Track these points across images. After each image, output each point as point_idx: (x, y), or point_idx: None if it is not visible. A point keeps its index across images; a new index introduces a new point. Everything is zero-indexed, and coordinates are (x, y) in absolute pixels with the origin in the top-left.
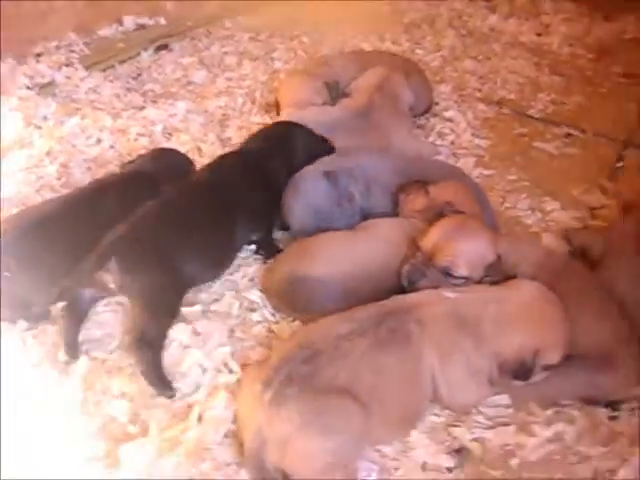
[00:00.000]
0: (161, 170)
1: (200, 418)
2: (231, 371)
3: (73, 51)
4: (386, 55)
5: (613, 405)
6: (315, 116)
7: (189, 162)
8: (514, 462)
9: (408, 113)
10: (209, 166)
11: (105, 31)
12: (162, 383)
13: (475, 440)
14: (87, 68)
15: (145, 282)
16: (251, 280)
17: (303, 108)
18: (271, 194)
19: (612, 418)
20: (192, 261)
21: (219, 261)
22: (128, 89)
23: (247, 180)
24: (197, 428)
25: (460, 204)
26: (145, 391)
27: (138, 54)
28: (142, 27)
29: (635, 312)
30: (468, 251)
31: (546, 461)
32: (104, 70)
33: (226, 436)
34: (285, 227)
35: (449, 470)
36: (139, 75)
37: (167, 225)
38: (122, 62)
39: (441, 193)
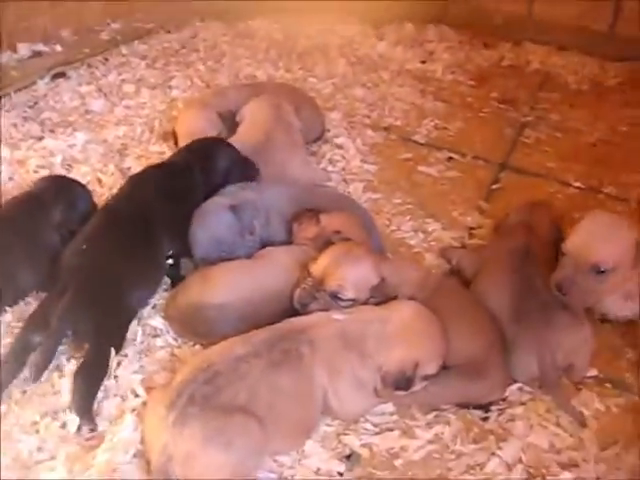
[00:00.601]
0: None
1: (111, 441)
2: (137, 395)
3: None
4: (279, 86)
5: (484, 407)
6: None
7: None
8: (399, 463)
9: (301, 141)
10: (130, 182)
11: None
12: (90, 416)
13: (363, 445)
14: None
15: (95, 323)
16: (153, 307)
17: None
18: (189, 208)
19: (484, 419)
20: (134, 288)
21: (155, 279)
22: (25, 118)
23: (168, 194)
24: (107, 452)
25: (348, 232)
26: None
27: (34, 82)
28: (38, 54)
29: (503, 324)
30: (354, 276)
31: (427, 460)
32: None
33: (135, 456)
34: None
35: (340, 474)
36: (36, 104)
37: (105, 258)
38: (18, 90)
39: (331, 222)
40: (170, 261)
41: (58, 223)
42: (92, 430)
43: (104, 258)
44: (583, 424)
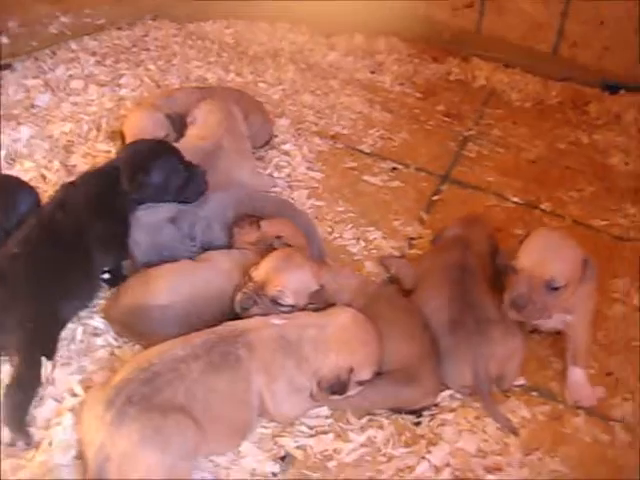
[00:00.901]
0: None
1: (50, 443)
2: (76, 395)
3: None
4: (228, 90)
5: (416, 413)
6: None
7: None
8: (332, 464)
9: (250, 148)
10: (63, 189)
11: None
12: (22, 430)
13: (298, 447)
14: None
15: (20, 333)
16: (93, 307)
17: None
18: (121, 219)
19: (416, 424)
20: (63, 301)
21: (88, 291)
22: None
23: (100, 204)
24: (43, 453)
25: (289, 238)
26: None
27: None
28: None
29: (439, 334)
30: (294, 282)
31: (359, 462)
32: None
33: (76, 458)
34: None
35: (274, 475)
36: None
37: (32, 271)
38: None
39: (271, 228)
40: (106, 276)
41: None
42: (27, 444)
43: (35, 266)
44: (514, 432)
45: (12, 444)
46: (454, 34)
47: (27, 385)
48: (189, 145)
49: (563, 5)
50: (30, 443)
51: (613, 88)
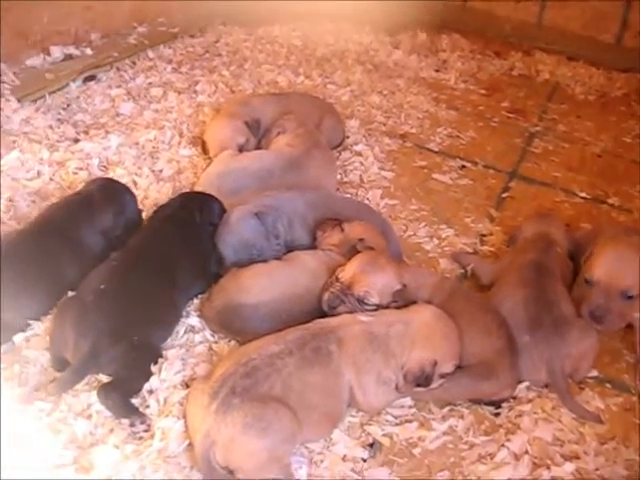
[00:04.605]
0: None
1: (163, 433)
2: (180, 387)
3: (4, 82)
4: (301, 95)
5: (495, 404)
6: (249, 163)
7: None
8: (417, 451)
9: (334, 159)
10: (151, 224)
11: (33, 61)
12: (136, 412)
13: (385, 435)
14: (19, 99)
15: (120, 360)
16: (189, 307)
17: (227, 146)
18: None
19: (495, 415)
20: (154, 329)
21: (172, 321)
22: (60, 120)
23: (180, 240)
24: (161, 441)
25: (370, 240)
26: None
27: (67, 85)
28: (69, 57)
29: (516, 333)
30: (379, 283)
31: (442, 449)
32: (35, 101)
33: (189, 446)
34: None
35: (364, 460)
36: (69, 106)
37: (124, 300)
38: (52, 93)
39: (353, 230)
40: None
41: (107, 228)
42: (143, 422)
43: (126, 298)
44: (598, 420)
45: (132, 424)
46: (515, 27)
47: (124, 396)
48: (278, 150)
49: None
50: (146, 422)
51: None
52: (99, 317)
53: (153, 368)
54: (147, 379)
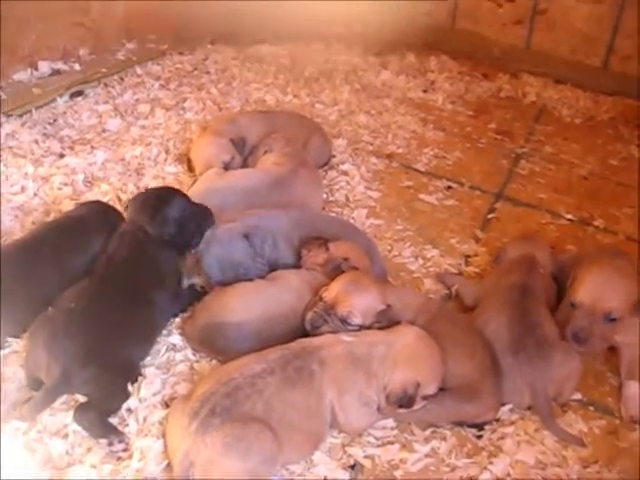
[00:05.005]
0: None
1: (142, 453)
2: (160, 407)
3: None
4: (288, 114)
5: (478, 426)
6: (235, 181)
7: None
8: (398, 473)
9: (321, 179)
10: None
11: (20, 75)
12: (112, 433)
13: (367, 457)
14: (5, 113)
15: (93, 381)
16: (170, 325)
17: (212, 164)
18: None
19: (478, 437)
20: (130, 348)
21: (150, 338)
22: (45, 135)
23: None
24: (139, 461)
25: (354, 260)
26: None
27: (54, 100)
28: (57, 72)
29: (500, 355)
30: (362, 304)
31: (424, 471)
32: (21, 116)
33: (168, 465)
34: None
35: None
36: (55, 121)
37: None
38: (38, 107)
39: (338, 250)
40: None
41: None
42: (121, 441)
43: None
44: (581, 444)
45: (110, 444)
46: (504, 50)
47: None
48: (265, 169)
49: (614, 19)
50: (124, 440)
51: None
52: (69, 339)
53: (132, 387)
54: (125, 398)
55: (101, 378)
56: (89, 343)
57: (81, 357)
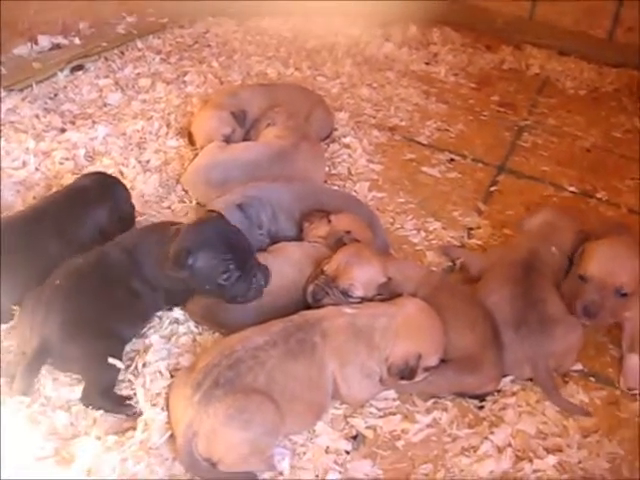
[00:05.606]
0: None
1: (145, 424)
2: (163, 376)
3: None
4: (290, 86)
5: (479, 397)
6: (237, 154)
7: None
8: (400, 444)
9: (323, 153)
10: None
11: (20, 50)
12: (119, 405)
13: (368, 427)
14: (5, 88)
15: (83, 357)
16: None
17: (213, 137)
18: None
19: (479, 408)
20: (118, 325)
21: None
22: (46, 110)
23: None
24: (143, 432)
25: (356, 232)
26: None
27: (54, 74)
28: (57, 47)
29: (502, 328)
30: (364, 276)
31: (425, 442)
32: (21, 90)
33: (171, 436)
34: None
35: (347, 452)
36: (56, 95)
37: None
38: (39, 82)
39: (340, 222)
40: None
41: (100, 223)
42: (131, 414)
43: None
44: (586, 413)
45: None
46: (507, 21)
47: (101, 395)
48: (267, 142)
49: None
50: (132, 413)
51: None
52: (51, 313)
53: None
54: (115, 372)
55: (83, 353)
56: (70, 319)
57: (61, 331)
